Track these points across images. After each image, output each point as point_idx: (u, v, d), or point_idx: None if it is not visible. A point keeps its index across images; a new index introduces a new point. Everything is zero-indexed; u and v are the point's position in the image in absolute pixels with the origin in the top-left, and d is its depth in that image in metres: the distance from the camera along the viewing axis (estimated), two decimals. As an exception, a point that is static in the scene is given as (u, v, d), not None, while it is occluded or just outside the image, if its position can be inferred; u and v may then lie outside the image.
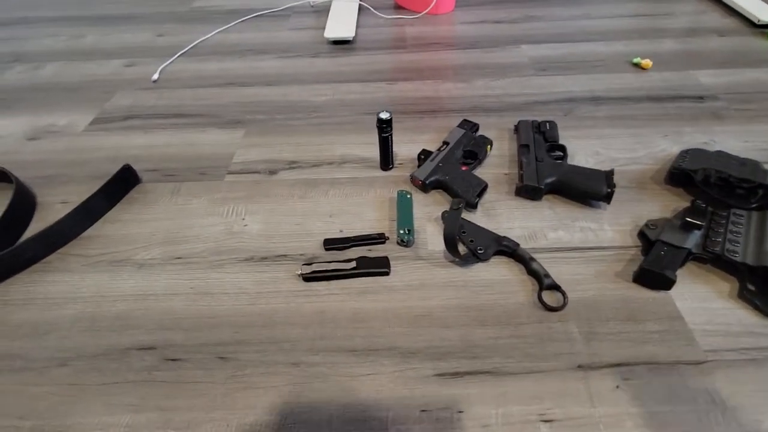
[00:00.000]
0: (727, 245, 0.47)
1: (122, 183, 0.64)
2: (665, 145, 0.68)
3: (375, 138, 0.65)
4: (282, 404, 0.41)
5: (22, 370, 0.44)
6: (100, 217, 0.61)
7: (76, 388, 0.43)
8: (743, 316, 0.45)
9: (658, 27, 1.01)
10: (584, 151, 0.67)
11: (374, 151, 0.68)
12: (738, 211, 0.51)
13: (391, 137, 0.62)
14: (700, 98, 0.77)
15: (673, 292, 0.47)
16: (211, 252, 0.55)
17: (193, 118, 0.80)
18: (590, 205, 0.58)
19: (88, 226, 0.59)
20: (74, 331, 0.48)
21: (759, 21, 0.93)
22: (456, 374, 0.42)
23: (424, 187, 0.61)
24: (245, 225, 0.59)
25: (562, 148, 0.64)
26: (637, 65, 0.87)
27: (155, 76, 0.92)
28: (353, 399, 0.41)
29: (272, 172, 0.67)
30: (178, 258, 0.55)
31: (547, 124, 0.68)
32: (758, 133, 0.68)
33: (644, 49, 0.92)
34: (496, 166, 0.66)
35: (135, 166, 0.66)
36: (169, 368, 0.44)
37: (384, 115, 0.59)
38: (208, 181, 0.66)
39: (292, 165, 0.68)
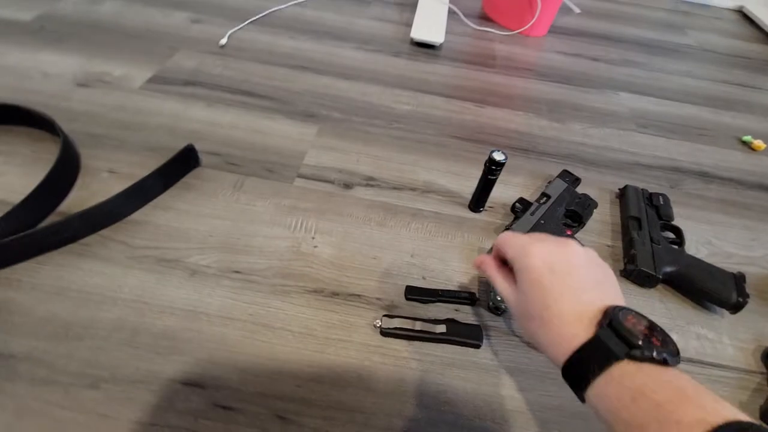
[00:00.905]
0: None
1: (182, 164, 0.56)
2: (785, 248, 0.60)
3: (463, 169, 0.58)
4: (352, 499, 0.34)
5: (45, 383, 0.37)
6: (152, 200, 0.53)
7: (107, 421, 0.35)
8: None
9: (767, 103, 0.93)
10: (695, 236, 0.60)
11: (462, 185, 0.61)
12: None
13: (496, 180, 0.54)
14: (819, 199, 0.69)
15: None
16: (275, 273, 0.48)
17: (261, 99, 0.72)
18: (705, 307, 0.51)
19: (138, 209, 0.51)
20: (112, 343, 0.40)
21: None
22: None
23: (522, 244, 0.54)
24: (315, 246, 0.51)
25: (678, 232, 0.57)
26: (747, 144, 0.79)
27: (223, 41, 0.83)
28: None
29: (347, 186, 0.59)
30: (237, 272, 0.47)
31: (660, 197, 0.61)
32: None
33: (752, 126, 0.84)
34: (598, 234, 0.58)
35: (195, 145, 0.58)
36: (219, 418, 0.37)
37: (499, 157, 0.51)
38: (276, 181, 0.58)
39: (370, 182, 0.60)
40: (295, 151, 0.63)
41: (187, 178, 0.57)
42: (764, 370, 0.46)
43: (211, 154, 0.60)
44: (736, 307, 0.48)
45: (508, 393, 0.41)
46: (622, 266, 0.54)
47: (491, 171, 0.52)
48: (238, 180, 0.57)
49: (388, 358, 0.42)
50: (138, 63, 0.75)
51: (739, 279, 0.50)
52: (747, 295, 0.48)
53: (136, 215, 0.51)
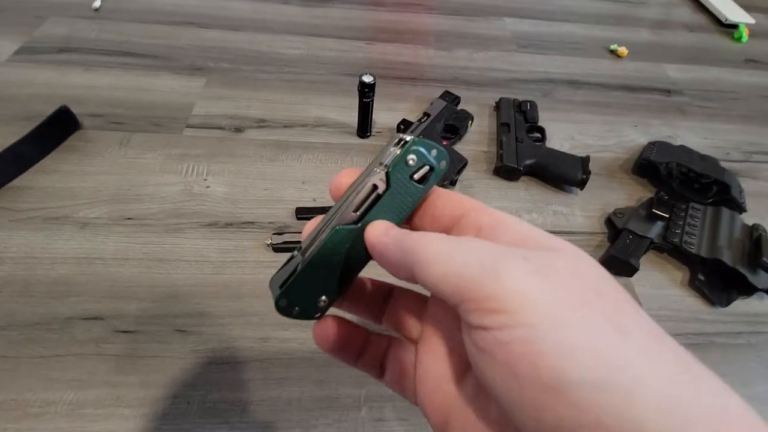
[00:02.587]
0: (685, 237, 0.50)
1: (59, 127, 0.55)
2: (634, 135, 0.70)
3: (352, 102, 0.61)
4: (249, 381, 0.39)
5: (-63, 340, 0.38)
6: (32, 166, 0.52)
7: (10, 361, 0.38)
8: (692, 303, 0.48)
9: (635, 15, 1.02)
10: (560, 134, 0.68)
11: (351, 116, 0.64)
12: (696, 205, 0.54)
13: (372, 103, 0.58)
14: (668, 92, 0.80)
15: (634, 278, 0.50)
16: (168, 214, 0.50)
17: (143, 58, 0.70)
18: (563, 190, 0.59)
19: (16, 176, 0.51)
20: (3, 297, 0.42)
21: (726, 20, 0.97)
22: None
23: (403, 159, 0.59)
24: (207, 186, 0.53)
25: (541, 131, 0.64)
26: (614, 52, 0.88)
27: (96, 4, 0.79)
28: (326, 376, 0.40)
29: (238, 130, 0.61)
30: (129, 219, 0.49)
31: (528, 104, 0.68)
32: (716, 131, 0.72)
33: (620, 37, 0.93)
34: (476, 143, 0.65)
35: (74, 109, 0.57)
36: (120, 341, 0.40)
37: (367, 79, 0.55)
38: (164, 133, 0.59)
39: (261, 124, 0.63)
40: (183, 104, 0.64)
41: (69, 141, 0.56)
42: (605, 231, 0.55)
43: (92, 116, 0.60)
44: (581, 183, 0.57)
45: (395, 280, 0.47)
46: (494, 167, 0.61)
47: (364, 94, 0.56)
48: (124, 137, 0.58)
49: (280, 269, 0.47)
50: (2, 35, 0.70)
51: (585, 160, 0.58)
52: (589, 172, 0.57)
53: (17, 182, 0.51)
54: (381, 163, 0.18)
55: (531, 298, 0.13)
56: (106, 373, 0.38)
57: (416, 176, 0.18)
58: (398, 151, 0.17)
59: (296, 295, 0.18)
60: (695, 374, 0.12)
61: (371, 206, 0.18)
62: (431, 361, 0.18)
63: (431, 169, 0.18)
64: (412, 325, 0.20)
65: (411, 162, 0.17)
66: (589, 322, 0.12)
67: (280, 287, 0.18)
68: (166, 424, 0.36)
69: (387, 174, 0.17)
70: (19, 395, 0.36)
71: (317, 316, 0.19)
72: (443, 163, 0.18)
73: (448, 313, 0.18)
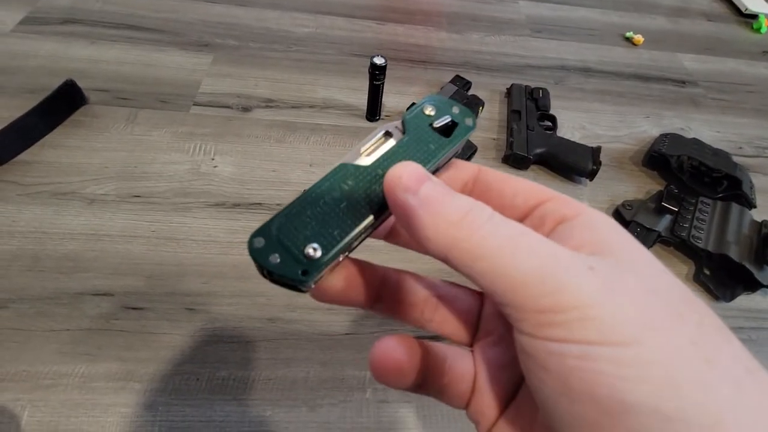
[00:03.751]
0: (693, 231, 0.50)
1: (65, 101, 0.54)
2: (646, 126, 0.69)
3: (362, 83, 0.60)
4: (256, 360, 0.39)
5: (-51, 311, 0.39)
6: (38, 140, 0.52)
7: (22, 333, 0.38)
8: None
9: (652, 2, 0.99)
10: (571, 123, 0.67)
11: (360, 98, 0.63)
12: (705, 200, 0.54)
13: (383, 86, 0.57)
14: (683, 83, 0.78)
15: (639, 271, 0.50)
16: (175, 193, 0.50)
17: (150, 32, 0.69)
18: (573, 180, 0.59)
19: (23, 150, 0.51)
20: (13, 271, 0.42)
21: (746, 10, 0.94)
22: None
23: (412, 144, 0.58)
24: (215, 166, 0.53)
25: (553, 119, 0.63)
26: (629, 40, 0.86)
27: (101, -26, 0.77)
28: (331, 357, 0.40)
29: (246, 109, 0.60)
30: (137, 196, 0.49)
31: (540, 91, 0.66)
32: (729, 125, 0.71)
33: (636, 23, 0.91)
34: (485, 130, 0.64)
35: (80, 83, 0.56)
36: (130, 317, 0.40)
37: (379, 61, 0.53)
38: (171, 110, 0.58)
39: (269, 104, 0.62)
40: (190, 81, 0.63)
41: (76, 116, 0.56)
42: (613, 222, 0.55)
43: (99, 91, 0.59)
44: (591, 174, 0.56)
45: (404, 266, 0.48)
46: (503, 155, 0.60)
47: (375, 76, 0.55)
48: (130, 113, 0.57)
49: (288, 252, 0.47)
50: (5, 4, 0.69)
51: (595, 151, 0.57)
52: (600, 163, 0.56)
53: (24, 156, 0.51)
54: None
55: (595, 315, 0.11)
56: (117, 348, 0.38)
57: (436, 125, 0.15)
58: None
59: (278, 234, 0.13)
60: None
61: (386, 152, 0.14)
62: (489, 368, 0.16)
63: (454, 123, 0.16)
64: (464, 327, 0.17)
65: (429, 112, 0.16)
66: (665, 344, 0.11)
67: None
68: (175, 399, 0.36)
69: (402, 121, 0.15)
70: (32, 367, 0.37)
71: (304, 279, 0.13)
72: (468, 120, 0.16)
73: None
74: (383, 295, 0.17)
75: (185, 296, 0.42)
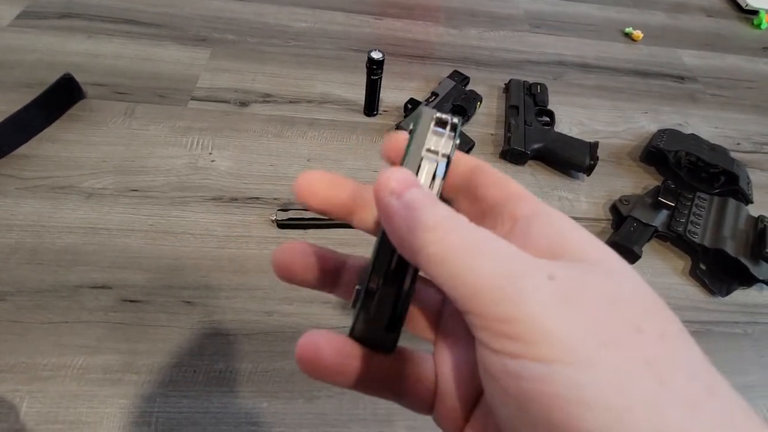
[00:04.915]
0: (689, 226, 0.50)
1: (63, 96, 0.54)
2: (644, 122, 0.69)
3: (360, 78, 0.60)
4: (254, 352, 0.40)
5: (-52, 304, 0.39)
6: (36, 134, 0.52)
7: (20, 325, 0.39)
8: (692, 292, 0.49)
9: (652, -3, 0.99)
10: (570, 119, 0.67)
11: (358, 93, 0.63)
12: (702, 195, 0.54)
13: (380, 81, 0.57)
14: (681, 79, 0.78)
15: (635, 265, 0.50)
16: (173, 187, 0.50)
17: (147, 27, 0.69)
18: (570, 175, 0.59)
19: (21, 144, 0.51)
20: (11, 264, 0.42)
21: (747, 5, 0.94)
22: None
23: (410, 139, 0.58)
24: (213, 161, 0.53)
25: (550, 114, 0.63)
26: (628, 35, 0.85)
27: (99, -32, 0.77)
28: (328, 350, 0.40)
29: (243, 104, 0.60)
30: (134, 190, 0.49)
31: (539, 86, 0.66)
32: (727, 121, 0.71)
33: (636, 19, 0.90)
34: (483, 125, 0.64)
35: (77, 78, 0.56)
36: (128, 310, 0.41)
37: (376, 55, 0.53)
38: (168, 105, 0.58)
39: (267, 99, 0.62)
40: (188, 75, 0.63)
41: (74, 110, 0.56)
42: (610, 217, 0.55)
43: (96, 86, 0.59)
44: (589, 169, 0.56)
45: (393, 259, 0.48)
46: (501, 150, 0.60)
47: (372, 71, 0.55)
48: (128, 107, 0.57)
49: (285, 246, 0.47)
50: (1, -2, 0.69)
51: (593, 146, 0.58)
52: (597, 158, 0.56)
53: (23, 150, 0.51)
54: (434, 151, 0.15)
55: (551, 329, 0.11)
56: (115, 340, 0.39)
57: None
58: (446, 136, 0.15)
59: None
60: (742, 427, 0.10)
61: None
62: (452, 371, 0.15)
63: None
64: (428, 323, 0.17)
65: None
66: (619, 365, 0.10)
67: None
68: (173, 391, 0.37)
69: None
70: (30, 359, 0.37)
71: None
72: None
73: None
74: (341, 281, 0.17)
75: (183, 289, 0.43)
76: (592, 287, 0.12)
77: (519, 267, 0.12)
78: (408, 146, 0.16)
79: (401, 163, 0.15)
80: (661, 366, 0.11)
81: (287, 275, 0.17)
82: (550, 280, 0.12)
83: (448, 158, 0.15)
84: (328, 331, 0.15)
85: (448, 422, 0.15)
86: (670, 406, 0.10)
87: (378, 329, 0.15)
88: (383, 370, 0.16)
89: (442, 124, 0.16)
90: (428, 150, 0.15)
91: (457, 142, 0.16)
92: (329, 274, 0.17)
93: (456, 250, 0.12)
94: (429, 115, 0.16)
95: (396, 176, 0.13)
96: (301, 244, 0.17)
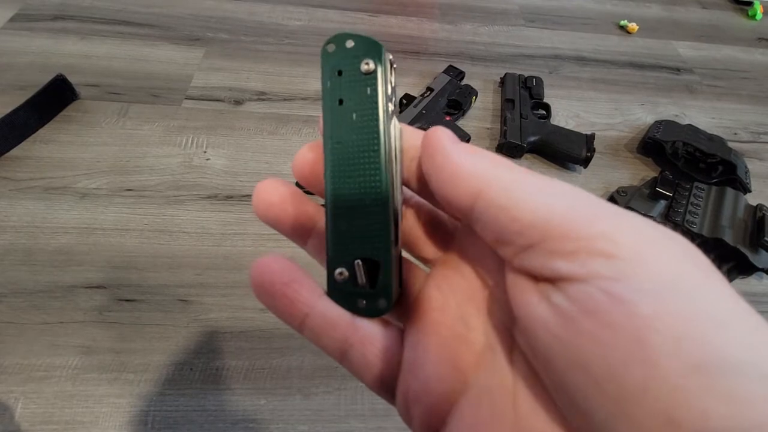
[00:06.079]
0: (688, 216, 0.50)
1: (56, 97, 0.54)
2: (641, 114, 0.69)
3: (355, 75, 0.59)
4: (250, 349, 0.39)
5: (-59, 306, 0.39)
6: (30, 136, 0.52)
7: (14, 326, 0.38)
8: (691, 281, 0.49)
9: (647, -10, 0.98)
10: (566, 112, 0.67)
11: (353, 90, 0.63)
12: (700, 185, 0.53)
13: (375, 76, 0.57)
14: (677, 70, 0.78)
15: (634, 256, 0.50)
16: (168, 186, 0.50)
17: (140, 27, 0.68)
18: (567, 168, 0.59)
19: (14, 145, 0.51)
20: (6, 265, 0.42)
21: (741, -3, 0.94)
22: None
23: (406, 134, 0.58)
24: (207, 159, 0.53)
25: (546, 107, 0.63)
26: (623, 28, 0.85)
27: (91, -30, 0.76)
28: (325, 346, 0.40)
29: (238, 102, 0.60)
30: (129, 190, 0.49)
31: (534, 80, 0.66)
32: (724, 111, 0.71)
33: (631, 12, 0.90)
34: (479, 119, 0.64)
35: (71, 79, 0.56)
36: (123, 309, 0.40)
37: (370, 50, 0.53)
38: (163, 105, 0.58)
39: (261, 96, 0.61)
40: (182, 75, 0.62)
41: (67, 111, 0.55)
42: (607, 209, 0.55)
43: (90, 86, 0.58)
44: (586, 161, 0.56)
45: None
46: (497, 144, 0.60)
47: (366, 66, 0.55)
48: (121, 108, 0.57)
49: (282, 242, 0.47)
50: (-6, 1, 0.68)
51: (589, 138, 0.57)
52: (594, 150, 0.56)
53: (16, 152, 0.50)
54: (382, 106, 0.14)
55: (648, 255, 0.10)
56: (110, 339, 0.38)
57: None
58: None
59: None
60: None
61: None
62: (435, 336, 0.13)
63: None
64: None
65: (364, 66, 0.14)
66: (727, 294, 0.09)
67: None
68: (169, 389, 0.36)
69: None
70: (25, 359, 0.37)
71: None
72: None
73: (482, 251, 0.14)
74: (311, 240, 0.16)
75: (178, 288, 0.42)
76: (655, 234, 0.11)
77: (601, 204, 0.11)
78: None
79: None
80: (736, 300, 0.10)
81: (264, 215, 0.15)
82: (634, 219, 0.11)
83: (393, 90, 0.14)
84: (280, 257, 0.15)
85: (424, 402, 0.13)
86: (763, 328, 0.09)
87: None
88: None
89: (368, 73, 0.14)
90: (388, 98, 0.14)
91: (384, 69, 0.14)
92: (304, 229, 0.16)
93: (527, 179, 0.12)
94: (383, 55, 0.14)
95: (445, 131, 0.13)
96: (285, 187, 0.15)
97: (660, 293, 0.09)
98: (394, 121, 0.15)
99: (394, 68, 0.15)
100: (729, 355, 0.08)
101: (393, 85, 0.15)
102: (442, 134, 0.13)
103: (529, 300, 0.11)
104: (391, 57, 0.15)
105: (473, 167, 0.12)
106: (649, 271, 0.09)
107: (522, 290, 0.11)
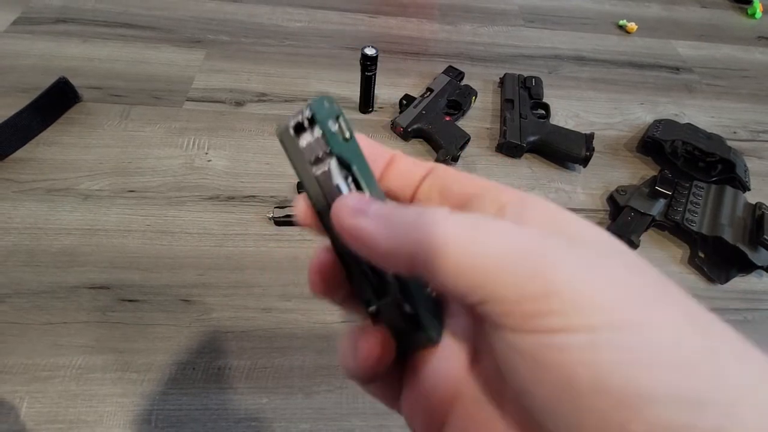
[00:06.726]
0: (687, 215, 0.50)
1: (58, 99, 0.55)
2: (640, 113, 0.69)
3: (354, 76, 0.60)
4: (252, 348, 0.40)
5: (-54, 307, 0.39)
6: (33, 138, 0.52)
7: (18, 327, 0.39)
8: (691, 280, 0.49)
9: (646, -10, 0.99)
10: (565, 111, 0.67)
11: (353, 91, 0.63)
12: (699, 183, 0.54)
13: (375, 77, 0.57)
14: (677, 69, 0.78)
15: (633, 255, 0.50)
16: (169, 187, 0.50)
17: (142, 30, 0.69)
18: (567, 167, 0.59)
19: (18, 147, 0.51)
20: (9, 266, 0.42)
21: (740, -4, 0.94)
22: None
23: (406, 134, 0.58)
24: (209, 160, 0.53)
25: (546, 107, 0.63)
26: (622, 28, 0.85)
27: (93, -27, 0.77)
28: (327, 345, 0.40)
29: (239, 104, 0.60)
30: (131, 191, 0.49)
31: (533, 80, 0.66)
32: (723, 110, 0.71)
33: (630, 11, 0.90)
34: (479, 120, 0.64)
35: (73, 81, 0.56)
36: (126, 309, 0.41)
37: (370, 51, 0.54)
38: (164, 106, 0.58)
39: (262, 98, 0.62)
40: (183, 77, 0.63)
41: (70, 114, 0.56)
42: (607, 208, 0.55)
43: (92, 89, 0.59)
44: (585, 160, 0.56)
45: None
46: (497, 144, 0.60)
47: (366, 67, 0.55)
48: (123, 110, 0.57)
49: (282, 243, 0.47)
50: (-3, 4, 0.69)
51: (589, 137, 0.57)
52: (593, 149, 0.56)
53: (20, 153, 0.51)
54: (319, 158, 0.14)
55: (591, 296, 0.10)
56: (113, 339, 0.39)
57: (346, 135, 0.14)
58: (320, 130, 0.13)
59: None
60: None
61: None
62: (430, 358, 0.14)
63: (342, 117, 0.14)
64: None
65: (334, 128, 0.14)
66: (665, 321, 0.10)
67: None
68: (172, 389, 0.37)
69: (340, 159, 0.13)
70: (29, 359, 0.37)
71: None
72: (333, 105, 0.14)
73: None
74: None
75: (181, 288, 0.43)
76: (605, 254, 0.11)
77: (533, 240, 0.11)
78: (300, 174, 0.14)
79: (304, 192, 0.14)
80: (699, 319, 0.10)
81: (320, 291, 0.16)
82: (570, 249, 0.11)
83: (347, 141, 0.13)
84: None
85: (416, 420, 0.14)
86: (722, 355, 0.10)
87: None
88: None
89: (299, 128, 0.14)
90: (314, 160, 0.14)
91: (336, 123, 0.14)
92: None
93: (456, 236, 0.11)
94: (282, 132, 0.14)
95: (352, 199, 0.13)
96: (327, 256, 0.15)
97: (592, 339, 0.10)
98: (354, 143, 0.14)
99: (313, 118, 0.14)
100: (652, 394, 0.09)
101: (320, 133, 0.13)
102: (346, 222, 0.12)
103: (489, 332, 0.12)
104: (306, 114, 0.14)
105: (396, 242, 0.12)
106: (585, 319, 0.10)
107: (490, 332, 0.12)
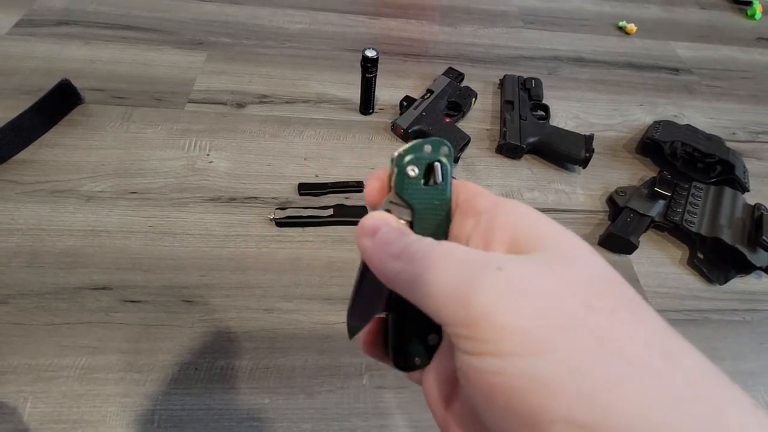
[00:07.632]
0: (686, 216, 0.50)
1: (61, 101, 0.55)
2: (640, 114, 0.69)
3: (355, 78, 0.60)
4: (254, 349, 0.40)
5: (-49, 307, 0.39)
6: (35, 139, 0.53)
7: (22, 327, 0.39)
8: (690, 281, 0.49)
9: (646, -9, 0.99)
10: (565, 113, 0.67)
11: (353, 92, 0.64)
12: (698, 185, 0.54)
13: (375, 79, 0.57)
14: (676, 71, 0.78)
15: (633, 256, 0.50)
16: (171, 189, 0.50)
17: (144, 32, 0.69)
18: (566, 168, 0.59)
19: (21, 149, 0.51)
20: (13, 267, 0.42)
21: (739, -3, 0.94)
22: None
23: (406, 136, 0.59)
24: (210, 162, 0.54)
25: (545, 108, 0.64)
26: (622, 29, 0.86)
27: (95, -25, 0.77)
28: (328, 346, 0.41)
29: (240, 105, 0.61)
30: (133, 193, 0.49)
31: (533, 81, 0.67)
32: (723, 111, 0.71)
33: (630, 13, 0.91)
34: (479, 121, 0.64)
35: (75, 83, 0.57)
36: (129, 310, 0.41)
37: (370, 53, 0.54)
38: (166, 108, 0.59)
39: (263, 99, 0.62)
40: (185, 79, 0.63)
41: (72, 116, 0.56)
42: (607, 209, 0.55)
43: (94, 91, 0.59)
44: (585, 161, 0.56)
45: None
46: (497, 145, 0.60)
47: (366, 69, 0.55)
48: (125, 112, 0.57)
49: (283, 244, 0.47)
50: (0, 7, 0.69)
51: (588, 139, 0.58)
52: (592, 151, 0.56)
53: (22, 155, 0.51)
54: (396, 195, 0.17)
55: (503, 323, 0.11)
56: (117, 340, 0.39)
57: (430, 180, 0.16)
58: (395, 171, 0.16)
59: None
60: (705, 392, 0.10)
61: None
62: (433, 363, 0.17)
63: (438, 164, 0.16)
64: None
65: (412, 173, 0.16)
66: (571, 348, 0.11)
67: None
68: (175, 389, 0.37)
69: (401, 197, 0.16)
70: (33, 360, 0.37)
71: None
72: (444, 150, 0.16)
73: None
74: None
75: (183, 289, 0.43)
76: (543, 273, 0.12)
77: (466, 270, 0.12)
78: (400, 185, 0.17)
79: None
80: (612, 341, 0.11)
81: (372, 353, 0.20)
82: (498, 272, 0.12)
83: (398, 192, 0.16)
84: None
85: (432, 397, 0.16)
86: (625, 381, 0.10)
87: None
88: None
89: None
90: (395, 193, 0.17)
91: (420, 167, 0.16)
92: None
93: (419, 266, 0.13)
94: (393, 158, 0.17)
95: (371, 219, 0.15)
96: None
97: (503, 365, 0.11)
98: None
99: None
100: (547, 417, 0.10)
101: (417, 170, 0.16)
102: (365, 229, 0.16)
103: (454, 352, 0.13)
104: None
105: (383, 268, 0.14)
106: (497, 346, 0.11)
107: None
